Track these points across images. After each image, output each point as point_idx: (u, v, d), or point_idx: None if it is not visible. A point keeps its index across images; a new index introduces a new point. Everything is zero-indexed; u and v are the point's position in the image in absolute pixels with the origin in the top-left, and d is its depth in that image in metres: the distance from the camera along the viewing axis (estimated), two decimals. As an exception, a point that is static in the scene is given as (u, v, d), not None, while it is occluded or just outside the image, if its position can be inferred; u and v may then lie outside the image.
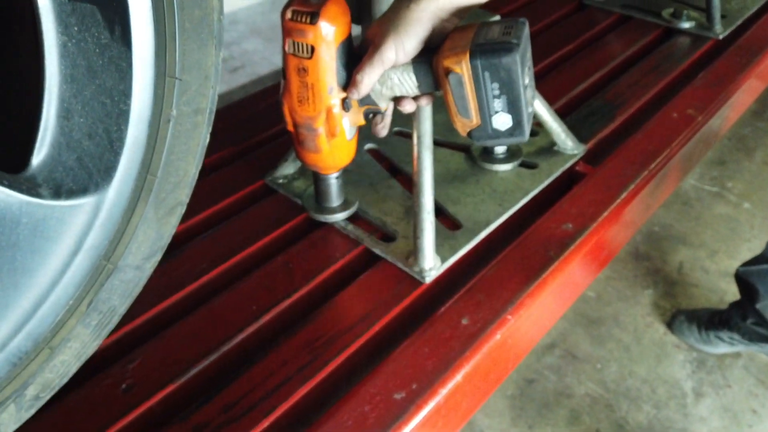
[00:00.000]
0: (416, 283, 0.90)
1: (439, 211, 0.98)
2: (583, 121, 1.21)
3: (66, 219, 0.47)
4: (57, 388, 0.56)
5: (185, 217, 0.98)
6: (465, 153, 1.12)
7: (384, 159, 1.13)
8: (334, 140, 0.85)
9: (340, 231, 0.98)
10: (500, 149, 1.09)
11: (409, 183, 1.04)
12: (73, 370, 0.55)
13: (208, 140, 0.56)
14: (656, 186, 1.12)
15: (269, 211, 1.03)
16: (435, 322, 0.84)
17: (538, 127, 1.17)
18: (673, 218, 2.08)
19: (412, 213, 0.90)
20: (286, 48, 0.80)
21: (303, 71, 0.80)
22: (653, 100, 1.30)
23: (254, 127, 1.22)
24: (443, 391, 0.77)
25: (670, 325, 1.73)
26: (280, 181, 1.06)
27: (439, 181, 0.97)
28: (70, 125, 0.47)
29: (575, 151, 1.12)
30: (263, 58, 2.54)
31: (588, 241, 0.97)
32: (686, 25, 1.52)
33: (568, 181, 1.09)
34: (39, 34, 0.45)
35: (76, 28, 0.45)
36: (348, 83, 0.81)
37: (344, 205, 0.99)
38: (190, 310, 0.87)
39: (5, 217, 0.44)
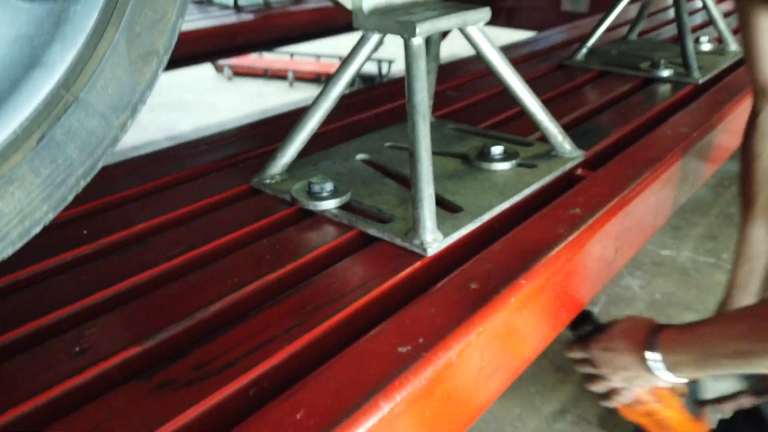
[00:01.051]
0: (417, 256, 0.81)
1: (439, 200, 0.92)
2: (579, 137, 1.19)
3: (25, 21, 0.41)
4: (-9, 258, 0.45)
5: (161, 211, 0.92)
6: (461, 158, 1.08)
7: (377, 166, 1.08)
8: None
9: (331, 219, 0.90)
10: (497, 150, 1.05)
11: (404, 182, 0.99)
12: (13, 234, 0.46)
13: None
14: (662, 187, 1.07)
15: (255, 205, 0.95)
16: (442, 288, 0.74)
17: (532, 139, 1.15)
18: (674, 287, 2.01)
19: (411, 184, 0.84)
20: None
21: None
22: (645, 123, 1.30)
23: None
24: (458, 347, 0.66)
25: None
26: (267, 181, 1.00)
27: (437, 178, 0.90)
28: None
29: (574, 155, 1.08)
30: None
31: (599, 224, 0.90)
32: (665, 73, 1.56)
33: (568, 183, 1.04)
34: None
35: None
36: None
37: (335, 193, 0.92)
38: (159, 283, 0.77)
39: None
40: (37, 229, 0.48)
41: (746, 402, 1.03)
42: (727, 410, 1.04)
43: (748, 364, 0.77)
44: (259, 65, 4.63)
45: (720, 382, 1.02)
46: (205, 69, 4.74)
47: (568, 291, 0.87)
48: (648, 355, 0.81)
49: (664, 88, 1.51)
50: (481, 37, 0.99)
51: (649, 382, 0.86)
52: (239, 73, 4.71)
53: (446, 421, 0.68)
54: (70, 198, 0.49)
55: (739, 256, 1.05)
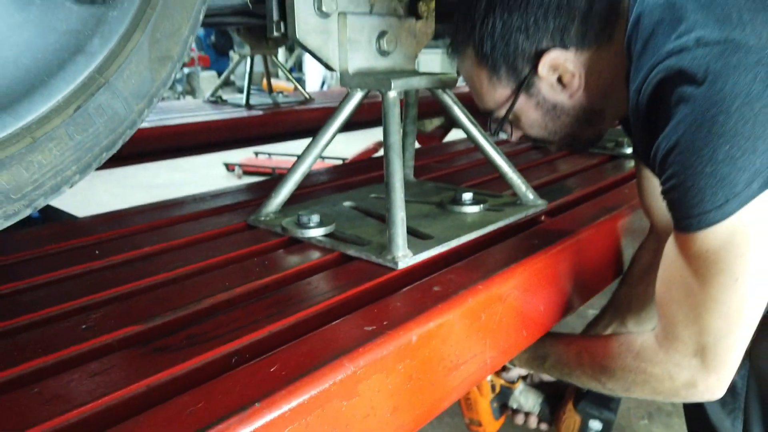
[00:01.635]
0: (389, 269, 0.91)
1: (413, 232, 1.03)
2: (546, 194, 1.32)
3: (74, 18, 0.56)
4: (30, 204, 0.57)
5: (165, 239, 1.04)
6: (436, 205, 1.20)
7: (361, 210, 1.20)
8: None
9: (316, 245, 1.01)
10: (467, 196, 1.17)
11: (384, 221, 1.10)
12: (47, 186, 0.57)
13: (200, 19, 0.66)
14: (612, 233, 1.19)
15: (250, 236, 1.07)
16: (408, 290, 0.84)
17: (502, 193, 1.28)
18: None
19: (385, 211, 0.95)
20: None
21: None
22: (605, 186, 1.43)
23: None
24: (417, 330, 0.75)
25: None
26: (262, 218, 1.12)
27: (411, 217, 1.03)
28: (93, -49, 0.58)
29: (537, 203, 1.20)
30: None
31: (562, 246, 1.01)
32: (628, 150, 1.72)
33: (530, 226, 1.16)
34: None
35: None
36: None
37: (321, 224, 1.04)
38: (160, 286, 0.87)
39: (32, 1, 0.52)
40: (66, 188, 0.60)
41: (532, 423, 1.29)
42: (517, 421, 1.31)
43: (563, 377, 1.06)
44: (268, 165, 4.90)
45: (526, 398, 1.28)
46: (217, 169, 5.02)
47: (527, 309, 0.96)
48: None
49: (626, 162, 1.67)
50: (449, 100, 1.15)
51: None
52: (249, 172, 4.97)
53: (408, 400, 0.75)
54: (94, 166, 0.61)
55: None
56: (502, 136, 1.07)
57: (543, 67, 0.93)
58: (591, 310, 2.38)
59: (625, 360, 0.91)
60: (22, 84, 0.54)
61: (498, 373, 1.27)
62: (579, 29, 0.91)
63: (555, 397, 1.27)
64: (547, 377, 1.29)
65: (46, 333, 0.74)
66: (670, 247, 0.82)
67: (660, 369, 0.86)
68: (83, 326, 0.75)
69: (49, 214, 1.54)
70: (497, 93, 0.99)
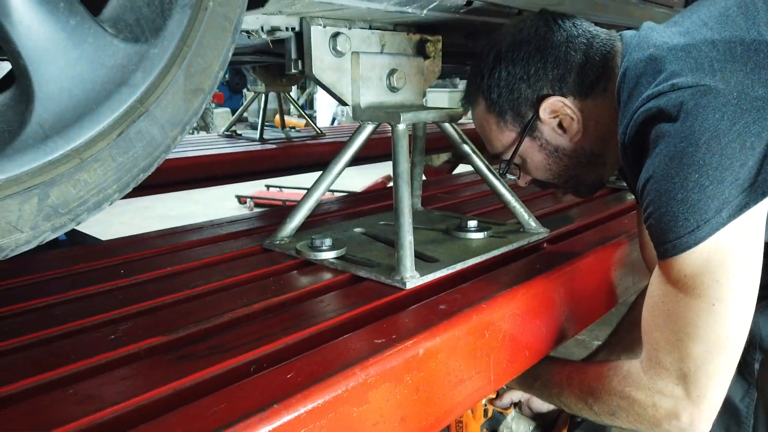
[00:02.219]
0: (397, 289, 0.97)
1: (420, 255, 1.09)
2: (550, 223, 1.37)
3: (121, 55, 0.63)
4: (74, 219, 0.63)
5: (186, 260, 1.10)
6: (442, 232, 1.26)
7: (371, 235, 1.26)
8: None
9: (329, 266, 1.07)
10: (472, 223, 1.23)
11: (393, 245, 1.16)
12: (91, 203, 0.64)
13: (230, 56, 0.74)
14: (611, 263, 1.23)
15: (265, 258, 1.13)
16: (416, 308, 0.89)
17: (506, 222, 1.34)
18: None
19: (394, 235, 1.01)
20: None
21: None
22: (606, 216, 1.48)
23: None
24: (424, 344, 0.80)
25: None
26: (277, 242, 1.18)
27: (418, 242, 1.09)
28: (137, -6, 0.66)
29: (539, 231, 1.26)
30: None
31: (562, 270, 1.06)
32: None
33: (532, 252, 1.21)
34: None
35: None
36: None
37: (333, 247, 1.10)
38: (182, 302, 0.92)
39: (86, 39, 0.60)
40: (106, 205, 0.66)
41: None
42: None
43: (553, 398, 1.10)
44: (279, 197, 4.99)
45: (518, 425, 1.33)
46: (230, 202, 5.12)
47: (529, 330, 1.00)
48: None
49: (626, 195, 1.72)
50: (454, 132, 1.22)
51: None
52: (260, 204, 5.06)
53: (415, 411, 0.79)
54: (132, 186, 0.68)
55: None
56: (510, 178, 1.15)
57: (544, 111, 1.02)
58: (596, 341, 2.42)
59: (611, 382, 0.94)
60: (74, 111, 0.61)
61: (491, 400, 1.31)
62: (576, 79, 1.01)
63: (547, 427, 1.30)
64: (539, 406, 1.32)
65: (78, 342, 0.79)
66: (655, 274, 0.88)
67: (643, 395, 0.89)
68: (112, 336, 0.80)
69: (75, 236, 1.61)
70: (504, 137, 1.08)
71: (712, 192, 0.75)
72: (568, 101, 1.01)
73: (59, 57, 0.58)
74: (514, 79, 1.03)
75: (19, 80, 0.58)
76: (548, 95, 1.01)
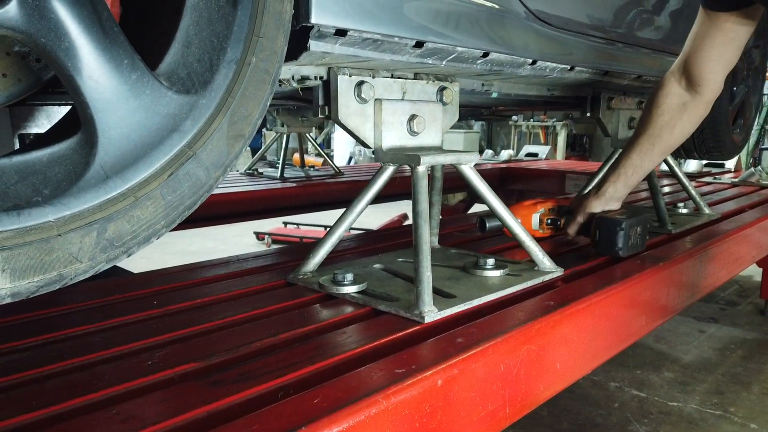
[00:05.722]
0: (416, 323, 1.01)
1: (438, 291, 1.14)
2: (564, 262, 1.42)
3: (174, 105, 0.70)
4: (126, 251, 0.70)
5: (214, 293, 1.16)
6: (459, 269, 1.31)
7: (390, 271, 1.31)
8: None
9: (350, 300, 1.12)
10: (489, 261, 1.28)
11: (412, 281, 1.21)
12: (141, 237, 0.70)
13: (267, 106, 0.81)
14: (625, 301, 1.27)
15: (289, 292, 1.18)
16: (434, 341, 0.94)
17: (521, 261, 1.38)
18: (681, 434, 2.07)
19: (413, 271, 1.07)
20: None
21: None
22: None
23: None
24: (443, 375, 0.84)
25: None
26: (300, 277, 1.24)
27: (436, 279, 1.14)
28: (188, 52, 0.73)
29: (553, 270, 1.30)
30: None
31: (575, 308, 1.10)
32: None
33: (547, 289, 1.26)
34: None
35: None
36: None
37: (354, 282, 1.15)
38: (213, 331, 0.98)
39: (144, 91, 0.67)
40: (154, 239, 0.73)
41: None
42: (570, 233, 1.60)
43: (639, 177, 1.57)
44: (296, 234, 5.06)
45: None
46: (248, 238, 5.20)
47: (543, 363, 1.04)
48: None
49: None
50: (472, 173, 1.28)
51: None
52: (278, 240, 5.13)
53: (434, 439, 0.84)
54: (177, 222, 0.74)
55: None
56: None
57: None
58: (612, 383, 2.43)
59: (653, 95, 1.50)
60: (131, 155, 0.68)
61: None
62: None
63: None
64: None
65: (117, 367, 0.85)
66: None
67: (662, 90, 1.48)
68: (149, 362, 0.86)
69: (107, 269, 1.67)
70: None
71: None
72: None
73: (121, 107, 0.66)
74: None
75: (85, 127, 0.65)
76: None
